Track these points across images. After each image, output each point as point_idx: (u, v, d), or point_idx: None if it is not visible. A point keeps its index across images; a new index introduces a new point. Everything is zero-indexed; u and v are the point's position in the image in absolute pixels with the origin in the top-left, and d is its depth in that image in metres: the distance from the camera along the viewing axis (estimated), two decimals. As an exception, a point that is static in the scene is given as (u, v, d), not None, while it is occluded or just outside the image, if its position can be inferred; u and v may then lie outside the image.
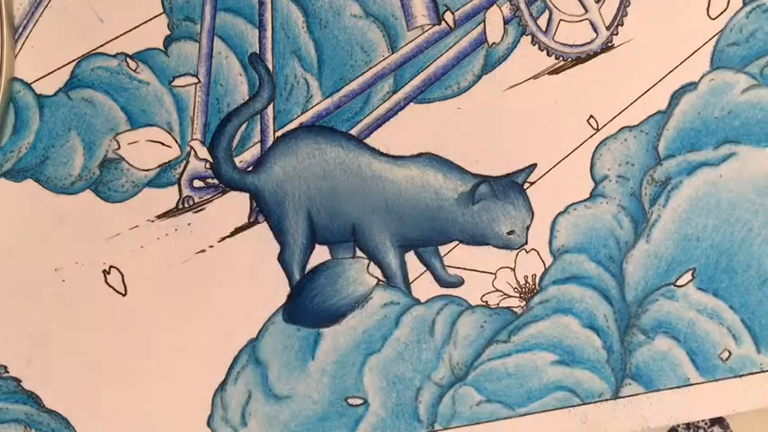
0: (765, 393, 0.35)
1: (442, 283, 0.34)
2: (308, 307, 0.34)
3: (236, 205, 0.34)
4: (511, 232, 0.34)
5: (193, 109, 0.33)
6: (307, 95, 0.34)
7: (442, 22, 0.34)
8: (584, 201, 0.35)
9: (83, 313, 0.33)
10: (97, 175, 0.33)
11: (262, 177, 0.34)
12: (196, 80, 0.33)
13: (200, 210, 0.33)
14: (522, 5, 0.35)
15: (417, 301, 0.34)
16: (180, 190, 0.33)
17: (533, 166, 0.35)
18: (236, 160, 0.34)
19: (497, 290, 0.35)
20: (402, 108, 0.34)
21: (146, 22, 0.33)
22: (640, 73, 0.35)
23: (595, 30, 0.35)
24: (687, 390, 0.35)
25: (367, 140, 0.34)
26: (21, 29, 0.33)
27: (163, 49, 0.33)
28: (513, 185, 0.34)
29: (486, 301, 0.35)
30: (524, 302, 0.35)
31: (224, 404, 0.33)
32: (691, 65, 0.35)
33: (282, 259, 0.34)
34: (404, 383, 0.34)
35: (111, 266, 0.33)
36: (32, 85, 0.33)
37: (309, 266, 0.34)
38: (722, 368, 0.35)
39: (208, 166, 0.33)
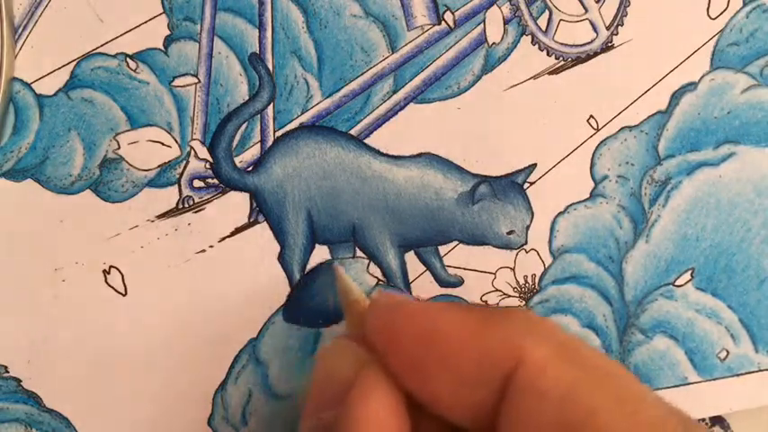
0: (763, 392, 0.36)
1: (441, 283, 0.34)
2: (308, 307, 0.34)
3: (236, 205, 0.33)
4: (510, 232, 0.34)
5: (193, 109, 0.33)
6: (307, 95, 0.34)
7: (442, 22, 0.34)
8: (584, 201, 0.35)
9: (83, 313, 0.33)
10: (97, 175, 0.33)
11: (262, 177, 0.33)
12: (196, 80, 0.33)
13: (200, 210, 0.33)
14: (522, 5, 0.35)
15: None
16: (180, 190, 0.33)
17: (533, 166, 0.35)
18: (237, 160, 0.34)
19: (497, 290, 0.35)
20: (402, 108, 0.34)
21: (146, 22, 0.33)
22: (640, 73, 0.35)
23: (595, 30, 0.35)
24: (685, 389, 0.35)
25: (367, 140, 0.34)
26: (21, 29, 0.32)
27: (163, 49, 0.33)
28: (512, 185, 0.34)
29: (486, 301, 0.35)
30: (524, 302, 0.35)
31: (224, 404, 0.33)
32: (691, 65, 0.35)
33: (282, 259, 0.34)
34: (404, 383, 0.34)
35: (111, 266, 0.33)
36: (32, 85, 0.33)
37: (309, 266, 0.34)
38: (720, 367, 0.35)
39: (208, 166, 0.33)
